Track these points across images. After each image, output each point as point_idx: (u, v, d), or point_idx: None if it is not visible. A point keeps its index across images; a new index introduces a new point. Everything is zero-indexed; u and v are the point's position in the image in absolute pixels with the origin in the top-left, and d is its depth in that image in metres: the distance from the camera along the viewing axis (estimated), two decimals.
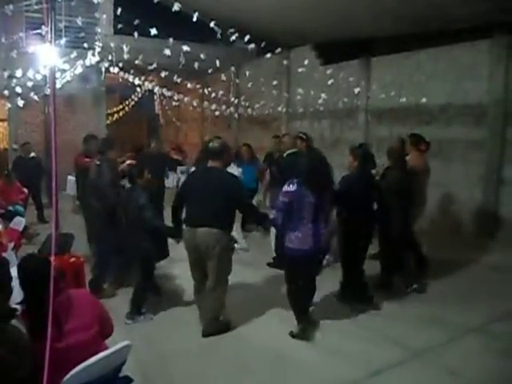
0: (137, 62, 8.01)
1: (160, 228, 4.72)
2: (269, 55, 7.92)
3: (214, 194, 4.16)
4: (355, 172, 4.97)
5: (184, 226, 4.36)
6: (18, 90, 6.88)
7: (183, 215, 4.45)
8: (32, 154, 9.21)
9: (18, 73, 6.44)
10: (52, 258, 2.24)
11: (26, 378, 2.18)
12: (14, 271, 4.04)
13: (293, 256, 4.23)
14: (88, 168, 5.89)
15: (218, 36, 6.63)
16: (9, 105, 8.72)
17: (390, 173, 5.43)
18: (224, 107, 10.27)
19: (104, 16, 9.84)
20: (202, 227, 4.15)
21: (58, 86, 6.33)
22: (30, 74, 6.48)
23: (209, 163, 4.41)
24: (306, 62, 9.23)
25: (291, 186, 4.16)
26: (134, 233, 4.58)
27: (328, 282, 5.13)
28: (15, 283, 3.84)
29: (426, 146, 6.24)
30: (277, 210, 4.25)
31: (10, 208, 7.06)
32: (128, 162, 5.58)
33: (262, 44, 7.51)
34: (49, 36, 5.14)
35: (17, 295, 3.71)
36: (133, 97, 15.51)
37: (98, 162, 5.32)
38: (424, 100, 8.15)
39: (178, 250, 4.93)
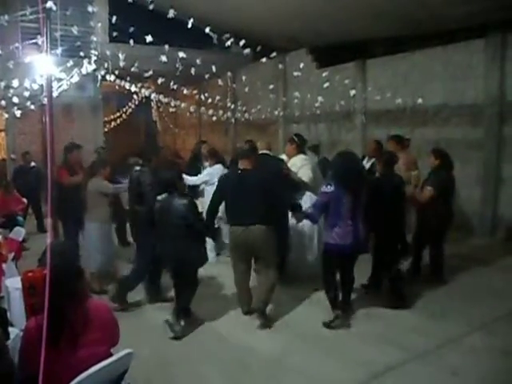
0: (133, 69, 8.01)
1: (207, 233, 4.73)
2: (264, 59, 7.92)
3: (256, 193, 4.44)
4: (383, 174, 5.21)
5: (229, 226, 4.66)
6: (15, 100, 6.88)
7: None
8: (32, 164, 9.23)
9: (15, 83, 6.44)
10: (48, 267, 2.22)
11: (5, 371, 2.17)
12: (14, 282, 4.06)
13: (333, 250, 4.49)
14: (73, 187, 5.88)
15: (214, 41, 6.65)
16: (6, 115, 8.72)
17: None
18: (221, 112, 10.27)
19: (99, 24, 9.85)
20: (253, 225, 4.42)
21: (55, 94, 6.32)
22: (27, 83, 6.48)
23: (240, 164, 4.68)
24: (301, 65, 9.26)
25: (329, 186, 4.42)
26: (178, 242, 4.32)
27: None
28: (16, 294, 3.85)
29: (408, 143, 6.83)
30: (313, 207, 4.60)
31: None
32: None
33: (258, 48, 7.53)
34: (45, 45, 5.13)
35: (18, 306, 3.71)
36: (130, 104, 15.55)
37: (137, 169, 5.32)
38: (420, 101, 8.19)
39: None
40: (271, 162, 5.72)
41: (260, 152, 6.02)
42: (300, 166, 5.76)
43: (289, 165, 5.73)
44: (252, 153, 4.77)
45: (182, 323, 4.37)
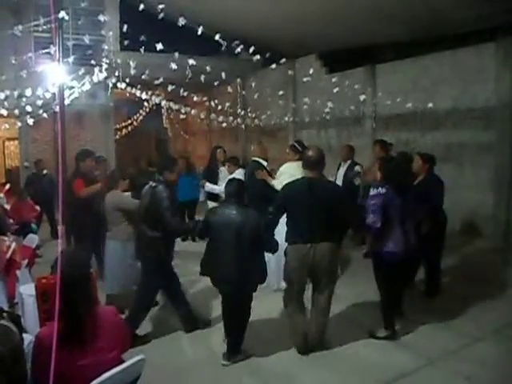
0: (143, 76, 8.09)
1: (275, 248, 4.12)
2: (274, 66, 7.96)
3: (324, 206, 3.96)
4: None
5: (290, 242, 4.11)
6: (28, 108, 6.97)
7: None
8: (45, 171, 9.33)
9: (28, 92, 6.53)
10: (59, 274, 2.23)
11: (19, 379, 2.18)
12: (28, 288, 4.10)
13: (387, 259, 4.23)
14: (88, 199, 5.44)
15: (223, 48, 6.69)
16: (19, 123, 8.83)
17: None
18: (231, 119, 10.31)
19: (110, 33, 9.98)
20: (320, 242, 3.95)
21: (67, 102, 6.38)
22: (40, 92, 6.56)
23: (306, 173, 4.16)
24: (311, 71, 9.27)
25: (380, 188, 4.18)
26: (240, 257, 3.84)
27: None
28: (29, 301, 3.89)
29: (390, 147, 7.13)
30: (373, 212, 4.15)
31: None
32: None
33: (267, 55, 7.55)
34: (57, 55, 5.20)
35: (32, 313, 3.75)
36: (140, 111, 15.62)
37: (153, 184, 4.49)
38: (431, 105, 8.15)
39: None
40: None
41: (253, 159, 6.17)
42: (279, 173, 5.69)
43: (278, 172, 5.73)
44: (322, 160, 4.18)
45: (240, 357, 4.06)
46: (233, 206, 3.96)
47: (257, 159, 6.10)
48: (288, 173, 5.45)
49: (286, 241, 4.15)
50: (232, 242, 3.84)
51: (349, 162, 7.47)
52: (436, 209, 5.29)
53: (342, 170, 7.55)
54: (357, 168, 7.36)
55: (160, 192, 4.31)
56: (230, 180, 4.42)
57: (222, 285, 4.04)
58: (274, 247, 4.04)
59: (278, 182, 5.40)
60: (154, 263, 4.45)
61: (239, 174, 6.59)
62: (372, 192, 4.25)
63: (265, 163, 6.11)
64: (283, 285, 5.13)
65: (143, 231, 4.44)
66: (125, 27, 6.52)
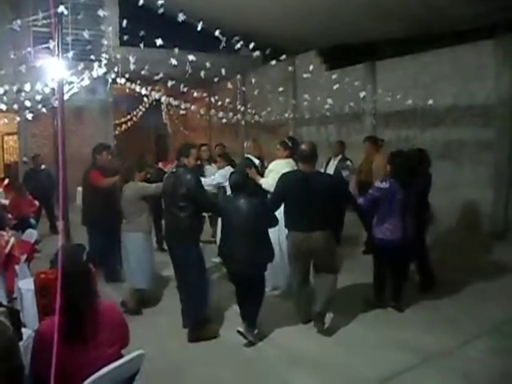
0: (143, 72, 8.08)
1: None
2: (274, 62, 7.94)
3: (320, 197, 4.24)
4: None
5: (289, 231, 4.45)
6: (27, 103, 6.96)
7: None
8: (43, 166, 9.32)
9: (27, 87, 6.52)
10: (59, 269, 2.23)
11: (15, 372, 2.18)
12: (26, 283, 4.10)
13: (382, 245, 4.72)
14: (106, 190, 5.46)
15: (223, 44, 6.68)
16: (18, 118, 8.83)
17: None
18: (231, 115, 10.31)
19: (110, 28, 9.97)
20: (315, 231, 4.25)
21: (66, 98, 6.36)
22: (39, 87, 6.55)
23: (300, 167, 4.48)
24: (311, 67, 9.26)
25: (383, 182, 4.61)
26: (251, 240, 4.16)
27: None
28: (28, 296, 3.89)
29: (381, 143, 7.47)
30: (365, 198, 4.71)
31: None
32: None
33: (267, 51, 7.55)
34: (56, 49, 5.20)
35: (30, 307, 3.76)
36: (140, 107, 15.59)
37: (173, 170, 4.68)
38: (430, 102, 8.14)
39: None
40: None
41: (245, 156, 6.15)
42: (268, 171, 5.60)
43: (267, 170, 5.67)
44: (315, 154, 4.43)
45: (256, 331, 4.29)
46: (240, 195, 4.29)
47: (249, 156, 6.04)
48: (277, 170, 5.33)
49: (286, 227, 4.51)
50: (242, 228, 4.15)
51: (339, 156, 7.63)
52: (424, 205, 5.36)
53: (332, 165, 7.61)
54: (347, 162, 7.52)
55: (181, 174, 4.48)
56: (233, 173, 4.71)
57: (236, 267, 4.26)
58: (274, 222, 4.38)
59: (265, 181, 5.36)
60: (187, 245, 4.48)
61: (228, 170, 6.27)
62: (377, 184, 4.69)
63: (257, 161, 6.02)
64: (277, 286, 5.46)
65: (172, 215, 4.50)
66: (124, 22, 6.51)
